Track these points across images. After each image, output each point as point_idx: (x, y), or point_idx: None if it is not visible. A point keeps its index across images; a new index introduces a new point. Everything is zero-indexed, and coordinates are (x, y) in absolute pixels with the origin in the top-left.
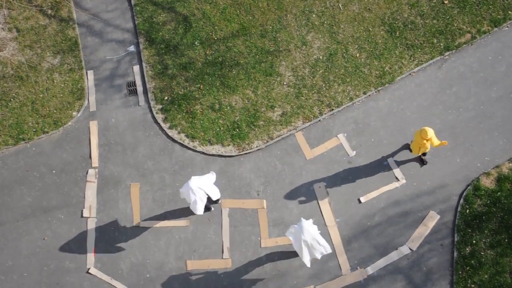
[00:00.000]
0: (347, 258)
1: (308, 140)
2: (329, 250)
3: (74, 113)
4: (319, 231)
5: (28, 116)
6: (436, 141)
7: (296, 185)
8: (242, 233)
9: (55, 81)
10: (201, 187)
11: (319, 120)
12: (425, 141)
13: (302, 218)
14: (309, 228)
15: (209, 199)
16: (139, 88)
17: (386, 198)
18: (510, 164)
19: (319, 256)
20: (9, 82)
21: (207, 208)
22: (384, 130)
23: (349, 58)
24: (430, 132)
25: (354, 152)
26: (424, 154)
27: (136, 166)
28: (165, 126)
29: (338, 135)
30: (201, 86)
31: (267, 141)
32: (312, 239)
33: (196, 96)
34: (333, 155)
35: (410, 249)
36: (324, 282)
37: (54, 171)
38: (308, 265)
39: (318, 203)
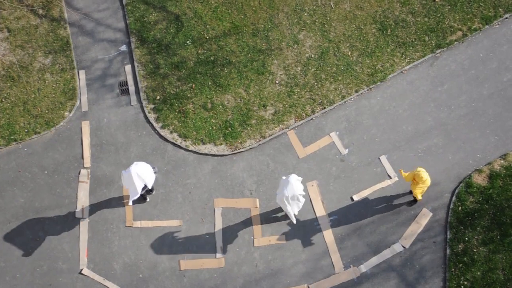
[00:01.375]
0: (340, 256)
1: (301, 139)
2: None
3: (66, 113)
4: (303, 193)
5: (20, 116)
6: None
7: None
8: (235, 232)
9: (46, 81)
10: (141, 175)
11: (312, 119)
12: (420, 184)
13: (293, 174)
14: (294, 185)
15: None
16: (131, 88)
17: (379, 195)
18: (502, 161)
19: (296, 211)
20: (0, 82)
21: (143, 198)
22: (376, 128)
23: (341, 57)
24: (425, 174)
25: (347, 150)
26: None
27: (128, 166)
28: (157, 125)
29: (330, 134)
30: (193, 85)
31: (260, 140)
32: (293, 196)
33: (188, 95)
34: (325, 153)
35: (403, 246)
36: (318, 280)
37: (46, 172)
38: (293, 220)
39: (311, 201)
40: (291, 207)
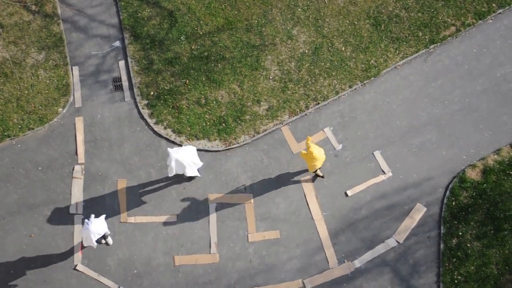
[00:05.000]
0: (334, 252)
1: (295, 134)
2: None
3: (59, 109)
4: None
5: (13, 112)
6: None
7: (282, 179)
8: (229, 228)
9: (40, 77)
10: (99, 232)
11: (305, 114)
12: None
13: (169, 148)
14: (180, 152)
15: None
16: (125, 84)
17: (373, 191)
18: (495, 156)
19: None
20: None
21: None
22: (370, 123)
23: (334, 52)
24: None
25: (341, 145)
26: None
27: (122, 162)
28: (151, 121)
29: (324, 129)
30: (187, 81)
31: (254, 136)
32: (190, 159)
33: (182, 91)
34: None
35: (397, 241)
36: (312, 275)
37: (40, 168)
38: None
39: (305, 196)
40: (189, 169)
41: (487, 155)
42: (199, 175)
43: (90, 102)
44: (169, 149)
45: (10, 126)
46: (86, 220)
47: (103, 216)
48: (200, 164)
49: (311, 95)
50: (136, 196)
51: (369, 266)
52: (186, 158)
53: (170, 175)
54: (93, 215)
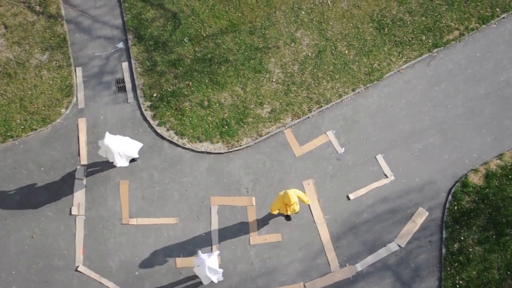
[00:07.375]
0: (336, 255)
1: (297, 137)
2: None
3: (62, 110)
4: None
5: (16, 113)
6: (306, 200)
7: (285, 182)
8: (231, 230)
9: (43, 78)
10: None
11: (308, 117)
12: (288, 206)
13: (107, 132)
14: (113, 141)
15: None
16: (128, 85)
17: (375, 194)
18: (498, 161)
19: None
20: None
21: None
22: (373, 127)
23: (338, 55)
24: (294, 197)
25: (343, 149)
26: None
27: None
28: (154, 123)
29: (327, 132)
30: (190, 83)
31: (256, 138)
32: (121, 149)
33: (185, 93)
34: (322, 152)
35: (399, 245)
36: (313, 279)
37: (42, 169)
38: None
39: None
40: (118, 160)
41: (489, 159)
42: (126, 164)
43: (93, 103)
44: (107, 133)
45: (13, 127)
46: (201, 254)
47: (216, 252)
48: (134, 156)
49: (314, 98)
50: (138, 198)
51: (371, 270)
52: (117, 148)
53: (100, 153)
54: (200, 252)
